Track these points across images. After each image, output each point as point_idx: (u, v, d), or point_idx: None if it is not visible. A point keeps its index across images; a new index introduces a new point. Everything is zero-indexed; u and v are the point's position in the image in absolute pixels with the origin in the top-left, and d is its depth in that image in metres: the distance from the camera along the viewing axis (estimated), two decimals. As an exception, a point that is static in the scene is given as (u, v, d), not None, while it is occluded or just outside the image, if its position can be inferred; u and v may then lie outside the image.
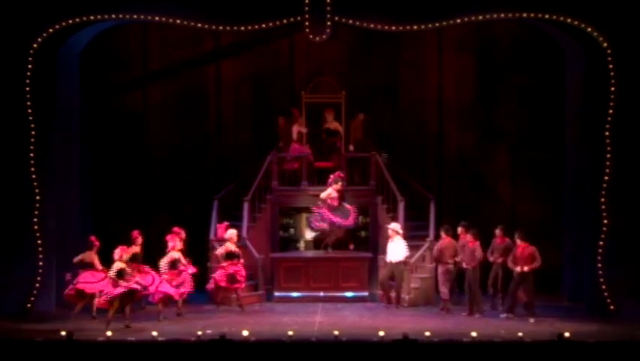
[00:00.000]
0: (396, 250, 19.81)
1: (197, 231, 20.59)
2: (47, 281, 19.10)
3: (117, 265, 17.65)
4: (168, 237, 19.17)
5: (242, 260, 19.57)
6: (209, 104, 22.98)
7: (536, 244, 21.27)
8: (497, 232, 19.19)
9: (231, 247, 19.54)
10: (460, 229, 19.35)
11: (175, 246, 18.94)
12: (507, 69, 22.41)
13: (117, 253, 17.81)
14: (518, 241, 18.52)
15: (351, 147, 21.62)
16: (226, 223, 20.30)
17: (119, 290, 17.54)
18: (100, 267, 18.63)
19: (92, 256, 18.79)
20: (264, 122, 22.63)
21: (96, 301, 18.11)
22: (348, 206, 20.86)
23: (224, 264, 19.38)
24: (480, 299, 18.88)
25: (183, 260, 18.85)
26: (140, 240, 19.38)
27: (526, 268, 18.32)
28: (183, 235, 19.37)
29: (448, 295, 19.14)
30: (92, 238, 19.01)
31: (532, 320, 18.22)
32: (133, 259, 18.44)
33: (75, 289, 18.49)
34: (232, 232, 19.75)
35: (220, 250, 19.58)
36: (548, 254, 21.82)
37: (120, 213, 22.34)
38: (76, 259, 18.78)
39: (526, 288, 18.48)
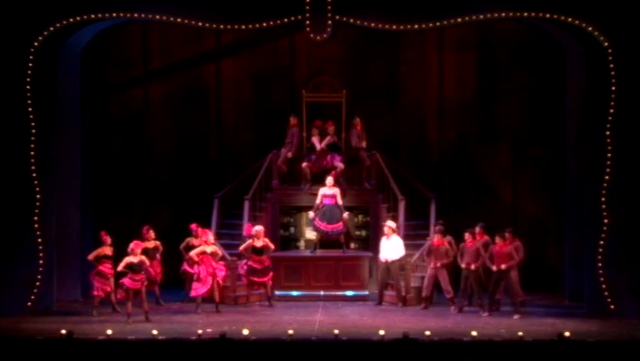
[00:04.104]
0: (393, 248, 19.81)
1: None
2: (48, 280, 19.11)
3: (127, 259, 18.02)
4: (200, 230, 19.61)
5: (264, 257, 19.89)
6: (210, 102, 22.99)
7: (537, 243, 21.39)
8: (467, 235, 19.02)
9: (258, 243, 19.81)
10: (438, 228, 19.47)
11: (208, 240, 19.22)
12: (507, 69, 22.42)
13: (130, 247, 18.18)
14: (497, 239, 18.53)
15: (365, 155, 21.62)
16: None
17: (135, 283, 17.96)
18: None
19: (107, 250, 18.98)
20: (265, 121, 22.67)
21: (112, 296, 18.72)
22: (342, 213, 20.82)
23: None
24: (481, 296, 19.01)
25: (219, 252, 19.40)
26: (151, 235, 19.66)
27: (503, 266, 18.38)
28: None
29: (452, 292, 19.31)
30: (103, 233, 19.14)
31: (516, 317, 18.38)
32: (145, 254, 18.68)
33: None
34: (258, 228, 19.92)
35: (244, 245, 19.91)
36: (549, 254, 22.00)
37: (121, 212, 22.38)
38: (91, 256, 18.94)
39: (506, 286, 18.58)
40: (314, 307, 19.58)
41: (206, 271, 19.07)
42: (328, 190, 20.71)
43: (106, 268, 18.81)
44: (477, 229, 19.03)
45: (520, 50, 22.31)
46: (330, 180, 20.76)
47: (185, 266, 19.81)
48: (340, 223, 20.69)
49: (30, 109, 18.86)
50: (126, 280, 18.02)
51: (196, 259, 19.13)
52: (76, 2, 18.94)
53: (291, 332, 16.38)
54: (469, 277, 18.91)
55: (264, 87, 22.84)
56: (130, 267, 18.03)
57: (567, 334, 15.85)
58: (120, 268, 18.13)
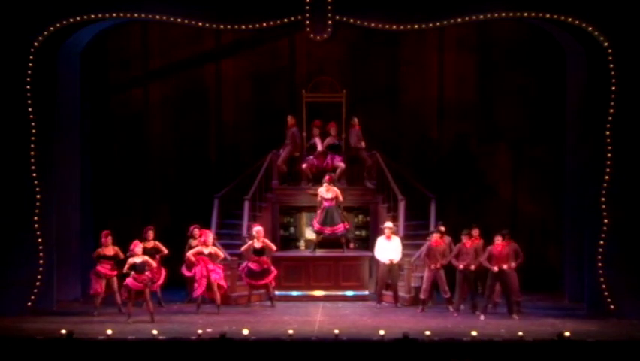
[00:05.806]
0: (395, 248, 19.80)
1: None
2: (48, 280, 19.11)
3: (131, 260, 18.05)
4: (199, 231, 19.59)
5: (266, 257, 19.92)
6: (210, 102, 23.00)
7: (537, 243, 21.37)
8: (464, 236, 18.98)
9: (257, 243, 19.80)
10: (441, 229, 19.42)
11: (207, 241, 19.19)
12: (508, 69, 22.43)
13: (131, 247, 18.22)
14: (498, 239, 18.40)
15: (366, 155, 21.63)
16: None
17: (138, 284, 17.95)
18: (122, 256, 18.95)
19: (107, 251, 18.97)
20: (265, 121, 22.68)
21: (117, 297, 18.77)
22: (343, 214, 20.83)
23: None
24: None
25: (220, 255, 19.35)
26: (150, 235, 19.54)
27: (504, 267, 18.30)
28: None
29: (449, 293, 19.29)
30: (104, 233, 19.12)
31: (515, 317, 18.35)
32: (144, 254, 18.64)
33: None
34: (258, 229, 19.92)
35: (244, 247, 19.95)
36: (549, 254, 22.00)
37: (121, 212, 22.38)
38: (95, 254, 19.02)
39: (505, 287, 18.50)
40: (314, 307, 19.58)
41: (201, 272, 19.04)
42: (326, 193, 20.69)
43: (103, 268, 18.81)
44: (474, 231, 19.03)
45: (520, 50, 22.32)
46: (324, 185, 20.65)
47: (183, 269, 19.80)
48: (340, 225, 20.69)
49: (30, 109, 18.86)
50: (129, 281, 18.03)
51: (193, 259, 19.12)
52: (76, 2, 18.94)
53: (291, 332, 16.39)
54: (465, 278, 18.86)
55: (264, 87, 22.85)
56: (133, 267, 18.03)
57: (567, 334, 15.85)
58: (125, 269, 18.14)
